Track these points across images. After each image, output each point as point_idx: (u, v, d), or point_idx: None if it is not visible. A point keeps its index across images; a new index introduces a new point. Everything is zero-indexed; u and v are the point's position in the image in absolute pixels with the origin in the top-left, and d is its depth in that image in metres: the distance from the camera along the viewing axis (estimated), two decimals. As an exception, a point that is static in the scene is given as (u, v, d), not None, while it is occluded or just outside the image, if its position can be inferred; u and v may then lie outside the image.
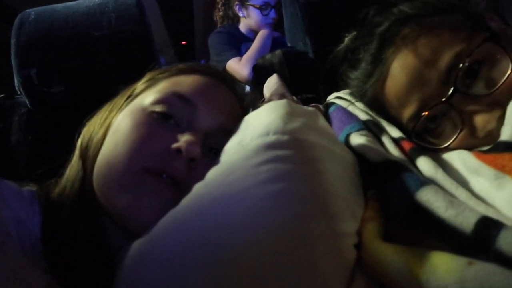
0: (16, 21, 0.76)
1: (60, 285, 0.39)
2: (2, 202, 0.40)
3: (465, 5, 0.52)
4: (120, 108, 0.52)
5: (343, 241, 0.38)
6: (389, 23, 0.51)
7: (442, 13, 0.50)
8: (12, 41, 0.74)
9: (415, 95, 0.49)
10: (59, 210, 0.45)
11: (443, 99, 0.47)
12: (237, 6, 1.82)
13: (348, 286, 0.36)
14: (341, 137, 0.53)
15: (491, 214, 0.35)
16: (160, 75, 0.55)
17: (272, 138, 0.42)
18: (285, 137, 0.42)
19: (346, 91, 0.63)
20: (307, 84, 0.81)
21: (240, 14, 1.83)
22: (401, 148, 0.49)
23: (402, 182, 0.41)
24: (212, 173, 0.42)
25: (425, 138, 0.51)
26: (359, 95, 0.58)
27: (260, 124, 0.45)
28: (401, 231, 0.41)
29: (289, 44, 0.99)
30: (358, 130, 0.52)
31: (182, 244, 0.34)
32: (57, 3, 0.81)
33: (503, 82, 0.45)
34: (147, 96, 0.50)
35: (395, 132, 0.52)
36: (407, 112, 0.51)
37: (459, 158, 0.44)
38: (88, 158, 0.48)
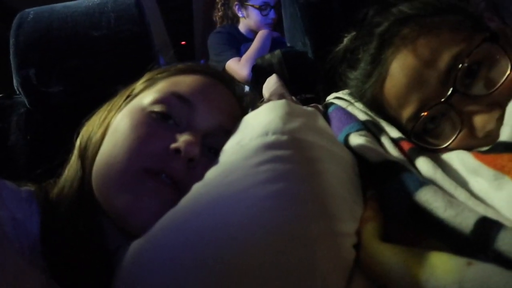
0: (15, 20, 0.76)
1: (58, 285, 0.39)
2: (0, 202, 0.40)
3: (465, 5, 0.52)
4: (119, 108, 0.52)
5: (342, 241, 0.38)
6: (388, 24, 0.51)
7: (441, 13, 0.50)
8: (11, 41, 0.73)
9: (414, 95, 0.49)
10: (57, 210, 0.45)
11: (443, 100, 0.47)
12: (237, 6, 1.82)
13: (347, 286, 0.36)
14: (340, 137, 0.53)
15: (490, 214, 0.35)
16: (159, 75, 0.55)
17: (271, 138, 0.42)
18: (284, 137, 0.42)
19: (346, 91, 0.63)
20: (306, 84, 0.81)
21: (240, 14, 1.83)
22: (400, 149, 0.49)
23: (401, 183, 0.41)
24: (211, 173, 0.42)
25: (424, 138, 0.51)
26: (359, 96, 0.58)
27: (259, 124, 0.45)
28: (400, 231, 0.41)
29: (288, 44, 0.99)
30: (357, 130, 0.52)
31: (181, 244, 0.34)
32: (56, 2, 0.80)
33: (502, 83, 0.45)
34: (146, 96, 0.50)
35: (394, 133, 0.52)
36: (406, 113, 0.51)
37: (458, 159, 0.44)
38: (87, 158, 0.48)
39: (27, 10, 0.78)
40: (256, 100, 0.62)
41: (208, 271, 0.32)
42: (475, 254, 0.32)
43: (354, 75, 0.57)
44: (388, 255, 0.36)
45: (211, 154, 0.48)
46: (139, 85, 0.55)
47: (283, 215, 0.35)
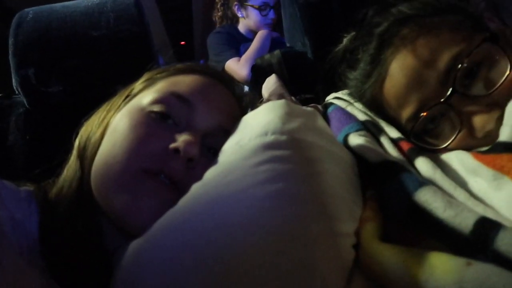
0: (14, 20, 0.76)
1: (58, 285, 0.39)
2: (-1, 202, 0.40)
3: (465, 6, 0.52)
4: (118, 108, 0.51)
5: (341, 241, 0.38)
6: (388, 24, 0.51)
7: (441, 13, 0.50)
8: (10, 41, 0.73)
9: (414, 95, 0.49)
10: (56, 210, 0.45)
11: (442, 100, 0.47)
12: (236, 7, 1.82)
13: (346, 286, 0.36)
14: (340, 137, 0.53)
15: (490, 214, 0.35)
16: (158, 75, 0.55)
17: (270, 138, 0.42)
18: (283, 137, 0.42)
19: (345, 91, 0.63)
20: (305, 85, 0.81)
21: (239, 15, 1.83)
22: (399, 149, 0.49)
23: (401, 183, 0.41)
24: (210, 173, 0.42)
25: (423, 138, 0.51)
26: (358, 96, 0.58)
27: (258, 124, 0.45)
28: (399, 231, 0.41)
29: (288, 45, 0.99)
30: (357, 130, 0.52)
31: (181, 244, 0.34)
32: (56, 2, 0.80)
33: (502, 83, 0.45)
34: (146, 96, 0.50)
35: (394, 133, 0.52)
36: (406, 113, 0.51)
37: (457, 159, 0.44)
38: (86, 158, 0.48)
39: (26, 9, 0.78)
40: (255, 100, 0.62)
41: (207, 271, 0.32)
42: (475, 254, 0.32)
43: (354, 75, 0.57)
44: (387, 255, 0.36)
45: (210, 154, 0.48)
46: (138, 85, 0.55)
47: (282, 215, 0.35)
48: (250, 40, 1.74)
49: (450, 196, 0.38)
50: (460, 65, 0.46)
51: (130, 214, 0.42)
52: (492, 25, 0.52)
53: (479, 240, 0.33)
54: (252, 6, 1.77)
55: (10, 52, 0.73)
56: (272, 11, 1.77)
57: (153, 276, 0.33)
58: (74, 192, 0.46)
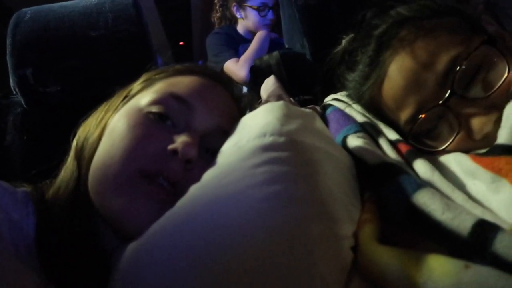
0: (12, 20, 0.75)
1: (55, 287, 0.39)
2: (-5, 203, 0.40)
3: (463, 8, 0.52)
4: (116, 109, 0.51)
5: (340, 243, 0.38)
6: (386, 26, 0.52)
7: (439, 15, 0.50)
8: (8, 41, 0.73)
9: (412, 97, 0.49)
10: (53, 211, 0.44)
11: (440, 102, 0.47)
12: (235, 7, 1.82)
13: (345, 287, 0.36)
14: (338, 139, 0.53)
15: (488, 217, 0.35)
16: (157, 76, 0.55)
17: (268, 139, 0.42)
18: (281, 139, 0.42)
19: (344, 93, 0.63)
20: (304, 86, 0.81)
21: (238, 15, 1.83)
22: (398, 151, 0.49)
23: (399, 185, 0.41)
24: (209, 175, 0.42)
25: (422, 140, 0.51)
26: (357, 97, 0.58)
27: (257, 125, 0.45)
28: (397, 233, 0.41)
29: (286, 46, 0.99)
30: (355, 132, 0.52)
31: (179, 245, 0.34)
32: (54, 2, 0.80)
33: (500, 85, 0.45)
34: (144, 96, 0.50)
35: (392, 135, 0.52)
36: (404, 115, 0.51)
37: (455, 161, 0.44)
38: (83, 158, 0.48)
39: (24, 9, 0.78)
40: (254, 101, 0.62)
41: (206, 272, 0.32)
42: (473, 257, 0.32)
43: (352, 77, 0.57)
44: (385, 257, 0.36)
45: (209, 155, 0.48)
46: (136, 85, 0.55)
47: (281, 216, 0.35)
48: (249, 41, 1.74)
49: (448, 198, 0.39)
50: (458, 68, 0.46)
51: (127, 216, 0.41)
52: (490, 28, 0.52)
53: (477, 243, 0.33)
54: (250, 6, 1.77)
55: (7, 52, 0.73)
56: (271, 11, 1.77)
57: (152, 277, 0.33)
58: (71, 193, 0.46)
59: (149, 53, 0.77)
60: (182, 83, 0.51)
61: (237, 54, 1.69)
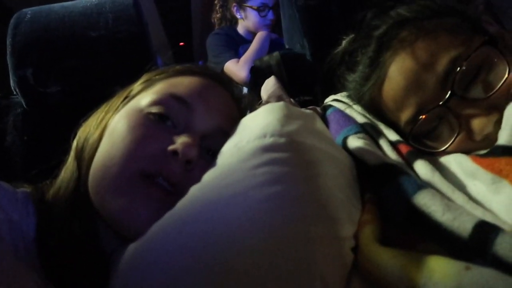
0: (12, 20, 0.75)
1: (54, 287, 0.39)
2: (-5, 203, 0.40)
3: (463, 8, 0.52)
4: (117, 109, 0.51)
5: (340, 244, 0.38)
6: (387, 26, 0.52)
7: (440, 16, 0.50)
8: (8, 41, 0.73)
9: (413, 98, 0.49)
10: (53, 211, 0.44)
11: (440, 103, 0.47)
12: (235, 8, 1.82)
13: (345, 289, 0.36)
14: (339, 140, 0.53)
15: (488, 218, 0.35)
16: (157, 76, 0.55)
17: (269, 140, 0.42)
18: (282, 140, 0.42)
19: (344, 93, 0.63)
20: (304, 87, 0.81)
21: (238, 16, 1.83)
22: (398, 151, 0.49)
23: (399, 186, 0.41)
24: (209, 176, 0.42)
25: (422, 141, 0.51)
26: (357, 98, 0.58)
27: (257, 126, 0.45)
28: (398, 234, 0.41)
29: (287, 46, 0.99)
30: (356, 133, 0.52)
31: (179, 247, 0.34)
32: (54, 3, 0.80)
33: (500, 86, 0.45)
34: (144, 97, 0.50)
35: (393, 135, 0.52)
36: (405, 115, 0.51)
37: (456, 162, 0.44)
38: (83, 159, 0.48)
39: (24, 10, 0.78)
40: (254, 102, 0.62)
41: (207, 272, 0.32)
42: (473, 258, 0.32)
43: (353, 78, 0.57)
44: (386, 258, 0.36)
45: (209, 156, 0.48)
46: (137, 86, 0.55)
47: (281, 216, 0.35)
48: (249, 42, 1.74)
49: (448, 199, 0.38)
50: (458, 68, 0.46)
51: (127, 217, 0.41)
52: (491, 28, 0.52)
53: (477, 244, 0.33)
54: (250, 7, 1.77)
55: (8, 52, 0.73)
56: (271, 12, 1.77)
57: (153, 278, 0.33)
58: (71, 194, 0.46)
59: (149, 53, 0.77)
60: (182, 83, 0.51)
61: (237, 55, 1.69)
